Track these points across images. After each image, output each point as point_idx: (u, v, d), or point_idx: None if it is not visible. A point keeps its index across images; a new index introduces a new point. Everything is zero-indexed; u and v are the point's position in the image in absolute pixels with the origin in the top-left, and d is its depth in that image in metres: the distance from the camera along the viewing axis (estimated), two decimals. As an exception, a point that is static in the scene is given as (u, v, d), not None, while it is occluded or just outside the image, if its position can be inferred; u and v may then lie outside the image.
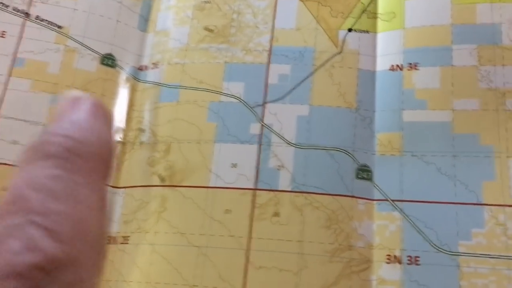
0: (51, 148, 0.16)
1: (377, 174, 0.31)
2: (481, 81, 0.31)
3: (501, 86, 0.31)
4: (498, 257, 0.28)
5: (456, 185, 0.30)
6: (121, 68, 0.35)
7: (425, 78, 0.32)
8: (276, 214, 0.30)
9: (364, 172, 0.31)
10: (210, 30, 0.35)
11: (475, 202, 0.29)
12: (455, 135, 0.31)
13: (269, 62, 0.34)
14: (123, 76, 0.35)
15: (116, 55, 0.35)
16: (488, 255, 0.28)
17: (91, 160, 0.16)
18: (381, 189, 0.30)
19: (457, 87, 0.32)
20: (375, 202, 0.30)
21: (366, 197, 0.30)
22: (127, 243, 0.31)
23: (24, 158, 0.16)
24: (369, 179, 0.31)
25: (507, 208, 0.28)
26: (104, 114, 0.18)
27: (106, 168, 0.17)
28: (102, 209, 0.16)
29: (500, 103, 0.31)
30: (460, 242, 0.28)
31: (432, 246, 0.28)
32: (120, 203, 0.32)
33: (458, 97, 0.31)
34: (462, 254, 0.28)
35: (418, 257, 0.28)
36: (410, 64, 0.33)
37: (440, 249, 0.28)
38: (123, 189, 0.32)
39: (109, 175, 0.17)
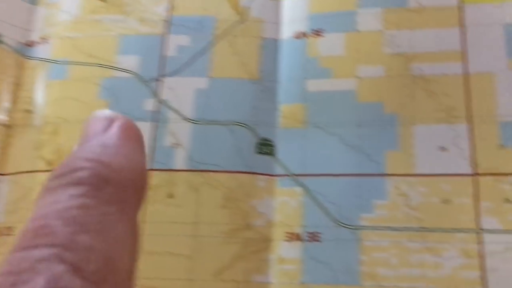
0: (81, 174, 0.14)
1: (281, 149, 0.29)
2: (386, 46, 0.30)
3: (407, 50, 0.30)
4: (400, 229, 0.26)
5: (359, 156, 0.28)
6: (7, 44, 0.32)
7: (329, 45, 0.30)
8: (170, 196, 0.28)
9: (266, 147, 0.29)
10: (103, 0, 0.32)
11: (378, 173, 0.28)
12: (360, 104, 0.29)
13: (166, 33, 0.32)
14: (8, 52, 0.32)
15: (1, 30, 0.32)
16: (390, 227, 0.26)
17: (123, 188, 0.15)
18: (283, 164, 0.29)
19: (362, 54, 0.30)
20: (277, 178, 0.28)
21: (267, 173, 0.29)
22: (11, 235, 0.28)
23: (52, 184, 0.15)
24: (271, 154, 0.29)
25: (410, 178, 0.27)
26: (136, 136, 0.17)
27: (139, 196, 0.16)
28: (133, 244, 0.15)
29: (405, 68, 0.29)
30: (361, 215, 0.27)
31: (332, 221, 0.27)
32: (5, 191, 0.29)
33: (363, 63, 0.30)
34: (363, 227, 0.27)
35: (319, 233, 0.27)
36: (315, 30, 0.31)
37: (340, 224, 0.27)
38: (8, 176, 0.30)
39: (142, 205, 0.16)
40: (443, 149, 0.27)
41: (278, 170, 0.29)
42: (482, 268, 0.25)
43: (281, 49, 0.31)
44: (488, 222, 0.26)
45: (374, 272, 0.26)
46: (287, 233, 0.27)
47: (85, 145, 0.16)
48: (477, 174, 0.27)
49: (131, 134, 0.17)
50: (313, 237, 0.27)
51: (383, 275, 0.25)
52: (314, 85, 0.30)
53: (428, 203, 0.26)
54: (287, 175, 0.28)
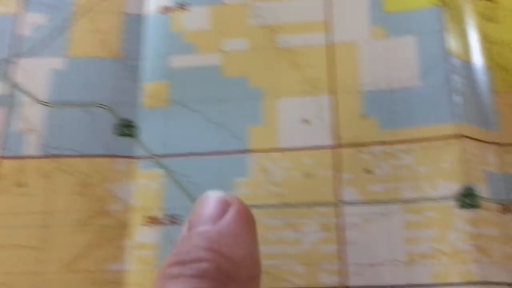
0: (203, 266, 0.14)
1: (144, 129, 0.27)
2: (252, 18, 0.29)
3: (272, 22, 0.29)
4: (261, 206, 0.25)
5: (222, 133, 0.27)
6: None
7: (194, 19, 0.29)
8: (20, 185, 0.26)
9: (126, 128, 0.27)
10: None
11: (240, 149, 0.27)
12: (224, 79, 0.28)
13: (22, 12, 0.29)
14: None
15: None
16: (250, 205, 0.25)
17: (243, 284, 0.15)
18: (145, 145, 0.27)
19: (227, 27, 0.29)
20: (137, 160, 0.27)
21: (127, 156, 0.27)
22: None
23: (173, 271, 0.14)
24: (133, 135, 0.27)
25: (273, 153, 0.26)
26: (252, 224, 0.16)
27: None
28: None
29: (270, 40, 0.28)
30: (223, 195, 0.26)
31: (192, 202, 0.26)
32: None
33: (228, 37, 0.29)
34: (223, 207, 0.26)
35: (178, 215, 0.26)
36: (179, 4, 0.29)
37: (201, 205, 0.26)
38: None
39: None
40: (306, 122, 0.27)
41: (140, 152, 0.27)
42: (341, 241, 0.24)
43: (145, 25, 0.29)
44: (348, 194, 0.25)
45: (234, 252, 0.25)
46: (146, 217, 0.26)
47: (201, 231, 0.15)
48: (339, 146, 0.26)
49: (248, 222, 0.16)
50: (172, 220, 0.25)
51: (243, 255, 0.25)
52: (178, 61, 0.28)
53: (290, 178, 0.26)
54: (149, 157, 0.27)
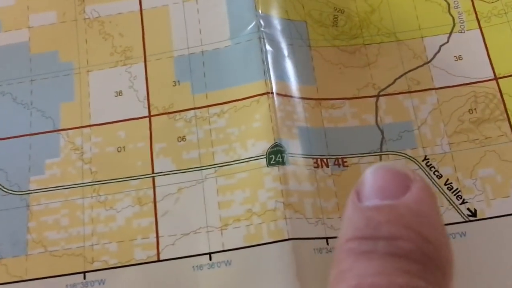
0: (406, 246, 0.13)
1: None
2: (59, -11, 0.27)
3: (81, -8, 0.27)
4: (72, 186, 0.24)
5: (32, 113, 0.25)
6: None
7: (-1, -5, 0.27)
8: None
9: None
10: None
11: (52, 129, 0.25)
12: (33, 56, 0.26)
13: None
14: None
15: None
16: (62, 186, 0.24)
17: (447, 272, 0.13)
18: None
19: (33, 1, 0.27)
20: None
21: None
22: None
23: (364, 247, 0.13)
24: None
25: (85, 130, 0.25)
26: (436, 203, 0.14)
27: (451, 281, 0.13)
28: None
29: (79, 11, 0.27)
30: (32, 178, 0.24)
31: (0, 189, 0.24)
32: None
33: (34, 12, 0.27)
34: (31, 191, 0.24)
35: (-16, 205, 0.24)
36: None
37: (8, 191, 0.24)
38: None
39: None
40: (119, 93, 0.25)
41: None
42: (155, 213, 0.23)
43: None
44: (162, 164, 0.24)
45: (42, 237, 0.23)
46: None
47: (381, 205, 0.14)
48: (151, 115, 0.25)
49: (435, 201, 0.14)
50: (-24, 211, 0.24)
51: (52, 239, 0.23)
52: (-17, 42, 0.26)
53: (103, 154, 0.24)
54: (-47, 146, 0.25)
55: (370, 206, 0.14)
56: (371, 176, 0.15)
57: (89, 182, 0.24)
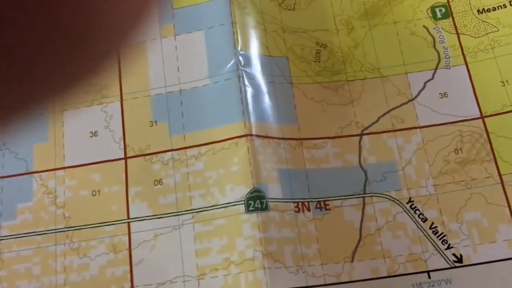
0: None
1: None
2: (33, 25, 0.26)
3: (55, 27, 0.26)
4: (45, 232, 0.23)
5: (5, 155, 0.24)
6: None
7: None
8: None
9: None
10: None
11: (24, 171, 0.24)
12: (6, 95, 0.25)
13: None
14: None
15: None
16: (34, 232, 0.23)
17: None
18: None
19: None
20: None
21: None
22: None
23: None
24: None
25: (59, 172, 0.24)
26: None
27: None
28: None
29: (54, 48, 0.26)
30: (3, 224, 0.23)
31: (-30, 236, 0.23)
32: None
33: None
34: (3, 238, 0.23)
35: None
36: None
37: (-22, 238, 0.23)
38: None
39: None
40: (94, 134, 0.24)
41: None
42: (130, 261, 0.23)
43: None
44: (138, 209, 0.23)
45: (14, 286, 0.22)
46: None
47: None
48: (127, 157, 0.24)
49: None
50: None
51: (23, 289, 0.22)
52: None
53: (77, 198, 0.23)
54: None
55: None
56: None
57: (62, 228, 0.23)
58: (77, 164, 0.24)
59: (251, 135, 0.23)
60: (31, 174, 0.24)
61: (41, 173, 0.24)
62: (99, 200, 0.23)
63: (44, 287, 0.22)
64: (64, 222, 0.23)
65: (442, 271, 0.22)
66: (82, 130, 0.24)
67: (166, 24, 0.25)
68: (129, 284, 0.22)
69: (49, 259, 0.23)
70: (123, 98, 0.25)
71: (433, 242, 0.23)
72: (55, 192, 0.24)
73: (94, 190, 0.23)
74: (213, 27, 0.25)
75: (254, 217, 0.22)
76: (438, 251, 0.22)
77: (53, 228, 0.23)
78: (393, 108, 0.25)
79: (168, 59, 0.25)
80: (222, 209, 0.22)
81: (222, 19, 0.25)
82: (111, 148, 0.24)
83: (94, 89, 0.25)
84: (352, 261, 0.22)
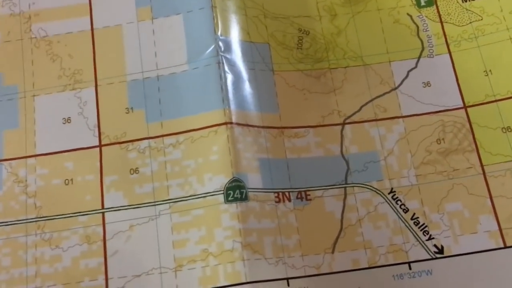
0: None
1: None
2: (2, 6, 0.25)
3: (26, 9, 0.25)
4: (15, 222, 0.22)
5: (-28, 142, 0.23)
6: None
7: None
8: None
9: None
10: None
11: (-7, 159, 0.23)
12: (-26, 79, 0.24)
13: None
14: None
15: None
16: (3, 222, 0.22)
17: None
18: None
19: (-25, 17, 0.25)
20: None
21: None
22: None
23: None
24: None
25: (29, 160, 0.23)
26: None
27: None
28: None
29: (25, 30, 0.25)
30: (-28, 215, 0.22)
31: None
32: None
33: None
34: (-30, 229, 0.22)
35: None
36: None
37: None
38: None
39: None
40: (67, 120, 0.23)
41: None
42: (104, 252, 0.22)
43: None
44: (112, 199, 0.22)
45: (-19, 280, 0.21)
46: None
47: None
48: (102, 145, 0.23)
49: None
50: None
51: (-8, 282, 0.21)
52: None
53: (49, 187, 0.22)
54: None
55: None
56: None
57: (33, 218, 0.22)
58: (49, 151, 0.23)
59: (231, 123, 0.22)
60: (1, 162, 0.23)
61: (11, 161, 0.23)
62: (72, 189, 0.22)
63: (14, 279, 0.21)
64: (36, 212, 0.22)
65: (423, 262, 0.22)
66: (54, 116, 0.23)
67: (143, 6, 0.25)
68: (103, 276, 0.21)
69: (19, 250, 0.22)
70: (98, 83, 0.24)
71: (414, 233, 0.22)
72: (26, 180, 0.23)
73: (67, 179, 0.23)
74: (192, 10, 0.24)
75: (233, 207, 0.21)
76: (419, 242, 0.22)
77: (24, 218, 0.22)
78: (376, 97, 0.24)
79: (145, 43, 0.24)
80: (201, 199, 0.22)
81: (201, 3, 0.24)
82: (85, 136, 0.23)
83: (66, 73, 0.24)
84: (333, 252, 0.22)
